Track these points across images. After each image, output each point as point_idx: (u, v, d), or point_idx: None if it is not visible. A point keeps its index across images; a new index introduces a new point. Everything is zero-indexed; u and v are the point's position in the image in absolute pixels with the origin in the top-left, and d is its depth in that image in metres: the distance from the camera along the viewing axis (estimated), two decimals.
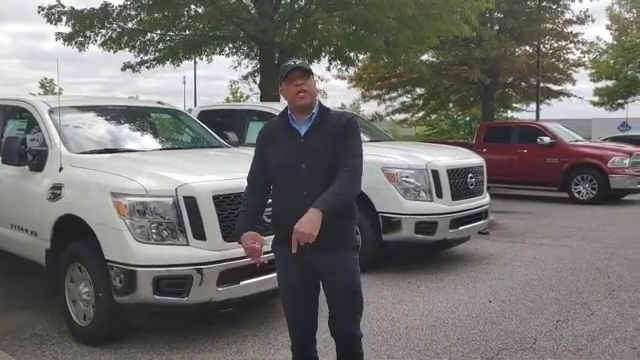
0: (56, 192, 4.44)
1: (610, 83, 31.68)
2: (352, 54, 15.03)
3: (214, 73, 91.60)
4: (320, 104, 2.95)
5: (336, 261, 2.86)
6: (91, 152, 4.84)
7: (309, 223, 2.61)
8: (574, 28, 24.44)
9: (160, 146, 5.69)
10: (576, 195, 12.90)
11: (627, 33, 29.91)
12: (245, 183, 4.24)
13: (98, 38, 13.86)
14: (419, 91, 27.54)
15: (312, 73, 2.91)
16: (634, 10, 30.06)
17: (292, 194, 2.82)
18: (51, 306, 4.82)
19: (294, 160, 2.82)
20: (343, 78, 24.58)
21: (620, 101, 32.18)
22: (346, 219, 2.89)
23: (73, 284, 4.36)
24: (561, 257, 7.24)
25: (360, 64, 19.10)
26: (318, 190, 2.72)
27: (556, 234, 8.89)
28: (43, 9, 13.25)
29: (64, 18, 13.20)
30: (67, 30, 13.55)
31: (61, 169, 4.50)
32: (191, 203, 3.98)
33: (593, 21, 23.81)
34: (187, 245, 3.98)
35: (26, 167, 4.80)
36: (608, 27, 30.40)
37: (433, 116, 33.05)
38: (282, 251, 2.90)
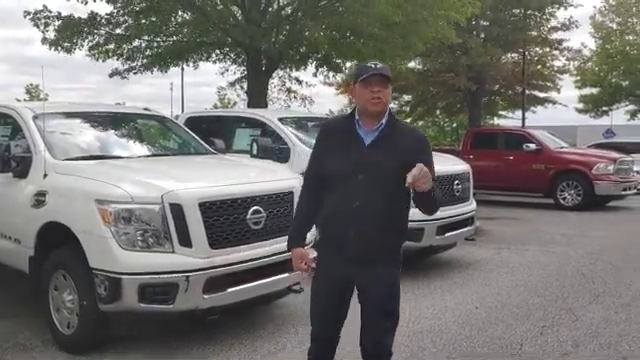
0: (40, 199, 4.39)
1: (595, 90, 32.03)
2: (339, 61, 15.08)
3: (202, 80, 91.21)
4: (390, 114, 2.79)
5: (380, 277, 2.78)
6: (76, 159, 4.79)
7: (429, 174, 2.51)
8: (559, 35, 24.75)
9: (146, 153, 5.65)
10: (561, 201, 13.00)
11: (611, 41, 30.28)
12: (233, 190, 4.29)
13: (85, 44, 13.80)
14: (406, 98, 27.70)
15: (390, 81, 2.75)
16: (617, 19, 30.45)
17: (343, 203, 2.71)
18: (35, 314, 4.75)
19: (352, 169, 2.70)
20: (331, 85, 24.65)
21: (605, 108, 32.54)
22: (397, 237, 2.84)
23: (57, 292, 4.31)
24: (547, 263, 7.29)
25: (347, 71, 19.15)
26: (370, 204, 2.66)
27: (542, 240, 8.95)
28: (29, 13, 13.18)
29: (51, 25, 13.13)
30: (53, 35, 13.48)
31: (45, 176, 4.45)
32: (177, 210, 3.96)
33: (577, 27, 24.13)
34: (173, 252, 3.95)
35: (10, 174, 4.73)
36: (592, 35, 30.79)
37: (420, 123, 33.18)
38: (324, 256, 2.85)
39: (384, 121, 2.76)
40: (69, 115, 5.63)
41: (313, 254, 2.89)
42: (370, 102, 2.70)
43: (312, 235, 3.11)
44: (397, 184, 2.58)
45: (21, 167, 4.68)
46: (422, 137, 2.88)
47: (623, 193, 13.14)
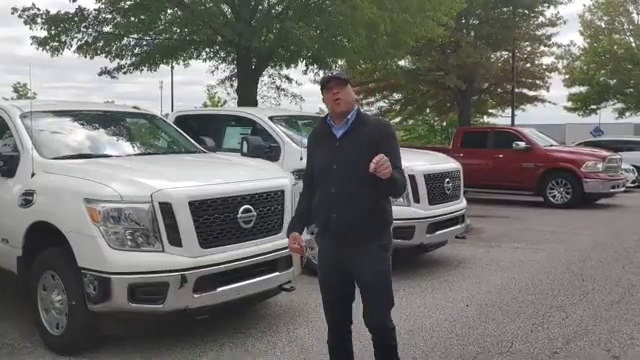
0: (28, 198, 4.35)
1: (583, 89, 32.28)
2: (329, 59, 15.06)
3: (192, 78, 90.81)
4: (359, 111, 3.20)
5: (366, 257, 3.06)
6: (64, 157, 4.75)
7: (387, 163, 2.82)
8: (547, 30, 24.86)
9: (135, 151, 5.61)
10: (551, 199, 13.08)
11: (599, 40, 30.50)
12: (223, 189, 4.28)
13: (74, 42, 13.69)
14: (396, 96, 27.73)
15: (348, 82, 3.15)
16: (605, 17, 30.68)
17: (324, 192, 3.10)
18: (23, 315, 4.70)
19: (329, 161, 3.10)
20: None
21: (593, 107, 32.82)
22: (377, 219, 3.11)
23: (45, 292, 4.27)
24: (537, 261, 7.32)
25: (338, 69, 19.15)
26: (345, 188, 3.02)
27: (532, 238, 8.99)
28: (17, 10, 13.06)
29: (39, 21, 13.01)
30: (42, 34, 13.37)
31: (33, 175, 4.41)
32: (167, 209, 3.93)
33: (565, 23, 24.21)
34: (163, 252, 3.93)
35: None
36: (581, 33, 31.00)
37: (410, 121, 33.27)
38: (320, 243, 3.21)
39: (350, 117, 3.14)
40: (57, 114, 5.58)
41: (307, 237, 3.14)
42: (334, 103, 3.11)
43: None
44: (366, 170, 2.86)
45: (8, 166, 4.64)
46: (386, 125, 3.34)
47: (612, 191, 13.23)
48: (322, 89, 3.18)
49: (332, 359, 3.36)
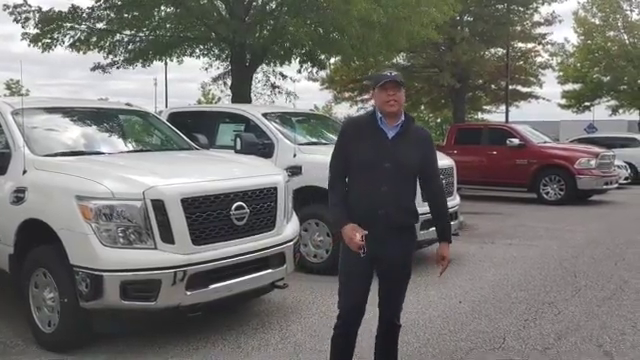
0: (19, 196, 4.32)
1: (577, 86, 32.36)
2: (323, 56, 15.04)
3: (186, 75, 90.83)
4: (405, 114, 3.26)
5: (397, 249, 3.22)
6: (56, 155, 4.72)
7: (449, 249, 3.36)
8: (542, 29, 24.94)
9: (128, 148, 5.59)
10: (544, 196, 13.12)
11: (593, 37, 30.58)
12: (215, 186, 4.27)
13: (66, 39, 13.62)
14: None
15: (404, 86, 3.21)
16: (599, 14, 30.74)
17: (372, 187, 3.11)
18: (15, 313, 4.69)
19: (379, 158, 3.13)
20: (315, 80, 24.61)
21: (587, 104, 32.90)
22: (413, 217, 3.30)
23: (37, 290, 4.25)
24: (530, 257, 7.35)
25: (332, 66, 19.14)
26: (395, 188, 3.12)
27: (525, 234, 9.02)
28: (8, 7, 12.98)
29: (31, 19, 12.93)
30: (34, 31, 13.28)
31: (25, 172, 4.38)
32: (159, 206, 3.92)
33: (561, 22, 24.31)
34: (155, 249, 3.92)
35: None
36: (575, 30, 31.06)
37: None
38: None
39: (403, 118, 3.22)
40: (49, 110, 5.54)
41: (364, 231, 3.08)
42: (386, 104, 3.15)
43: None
44: (413, 172, 3.20)
45: (0, 163, 4.60)
46: (429, 134, 3.43)
47: (605, 187, 13.30)
48: (375, 87, 3.20)
49: (334, 352, 3.39)
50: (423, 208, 6.73)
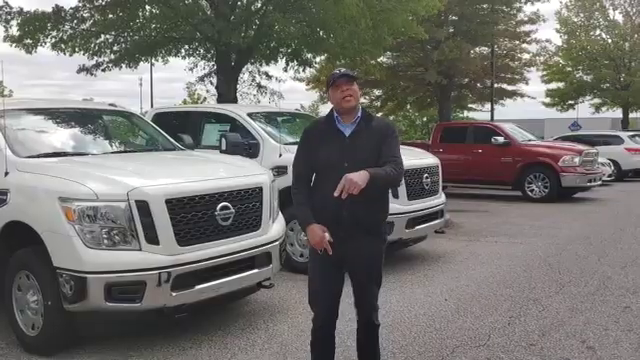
0: (2, 198, 4.27)
1: (561, 85, 32.69)
2: (309, 55, 15.03)
3: (172, 75, 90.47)
4: (363, 109, 3.26)
5: (364, 248, 3.18)
6: (39, 156, 4.68)
7: (359, 176, 2.93)
8: (526, 27, 25.16)
9: (112, 149, 5.56)
10: (529, 193, 13.24)
11: (576, 36, 30.87)
12: (200, 186, 4.25)
13: (48, 40, 13.47)
14: (377, 92, 27.79)
15: (356, 79, 3.23)
16: (582, 14, 31.05)
17: (334, 189, 2.99)
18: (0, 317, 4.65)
19: (338, 158, 3.11)
20: (302, 80, 24.59)
21: (571, 102, 33.25)
22: (380, 214, 3.26)
23: (20, 293, 4.21)
24: (515, 254, 7.41)
25: (317, 66, 19.14)
26: None
27: (510, 232, 9.09)
28: None
29: (13, 21, 12.79)
30: (17, 32, 13.13)
31: (7, 174, 4.34)
32: (143, 207, 3.90)
33: (544, 21, 24.56)
34: (140, 250, 3.90)
35: None
36: (558, 30, 31.34)
37: (391, 117, 33.40)
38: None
39: (359, 114, 3.21)
40: (32, 112, 5.49)
41: (329, 237, 3.10)
42: (343, 100, 3.16)
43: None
44: (376, 167, 3.05)
45: None
46: (390, 123, 3.40)
47: (588, 184, 13.42)
48: (330, 86, 3.21)
49: (315, 356, 3.38)
50: (408, 207, 6.73)
